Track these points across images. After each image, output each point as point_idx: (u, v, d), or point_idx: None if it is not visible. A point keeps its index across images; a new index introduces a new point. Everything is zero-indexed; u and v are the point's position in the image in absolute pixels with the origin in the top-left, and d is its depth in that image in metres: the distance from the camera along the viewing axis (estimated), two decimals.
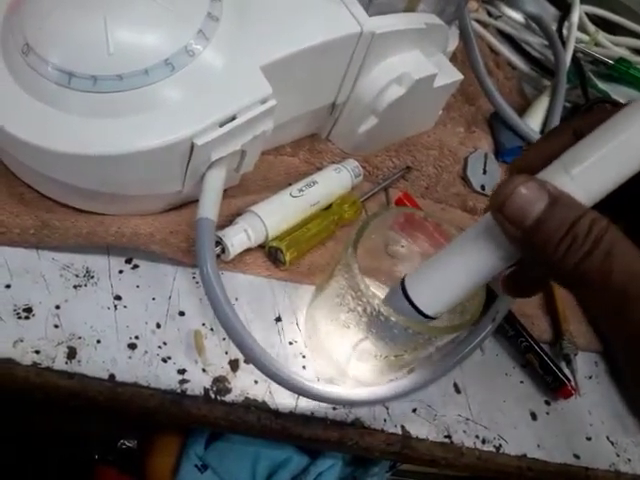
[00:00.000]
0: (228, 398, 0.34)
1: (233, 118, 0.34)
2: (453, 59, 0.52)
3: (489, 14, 0.70)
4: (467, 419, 0.39)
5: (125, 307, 0.35)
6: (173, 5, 0.33)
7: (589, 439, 0.42)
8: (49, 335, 0.32)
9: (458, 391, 0.40)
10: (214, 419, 0.34)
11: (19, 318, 0.32)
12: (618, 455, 0.42)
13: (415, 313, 0.28)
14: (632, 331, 0.22)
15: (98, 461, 0.58)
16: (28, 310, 0.33)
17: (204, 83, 0.33)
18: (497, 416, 0.40)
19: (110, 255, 0.36)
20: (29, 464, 0.58)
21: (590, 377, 0.45)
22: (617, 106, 0.23)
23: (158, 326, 0.35)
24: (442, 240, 0.34)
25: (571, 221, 0.21)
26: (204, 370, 0.34)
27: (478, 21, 0.67)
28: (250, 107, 0.34)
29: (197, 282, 0.37)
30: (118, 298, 0.35)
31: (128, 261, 0.37)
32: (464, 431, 0.38)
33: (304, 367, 0.37)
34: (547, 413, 0.41)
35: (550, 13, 0.75)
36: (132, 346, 0.34)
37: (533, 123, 0.58)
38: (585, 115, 0.25)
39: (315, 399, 0.33)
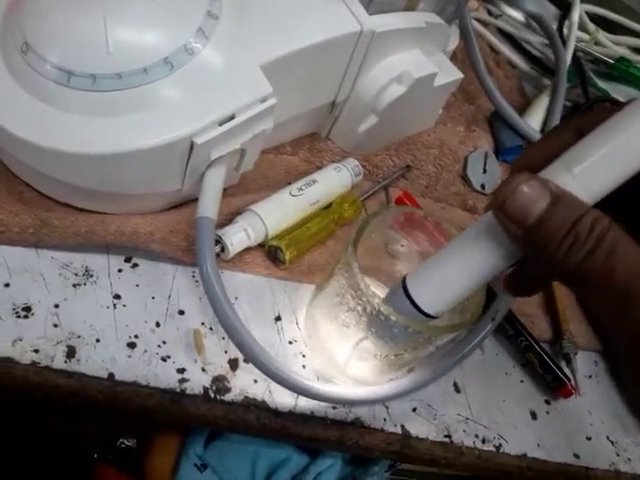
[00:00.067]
0: (227, 397, 0.34)
1: (233, 117, 0.34)
2: (453, 58, 0.52)
3: (489, 13, 0.70)
4: (467, 418, 0.39)
5: (124, 306, 0.35)
6: (172, 4, 0.33)
7: (589, 439, 0.42)
8: (48, 334, 0.32)
9: (458, 390, 0.40)
10: (213, 418, 0.34)
11: (18, 317, 0.32)
12: (618, 455, 0.42)
13: (416, 312, 0.28)
14: (634, 330, 0.22)
15: (97, 460, 0.58)
16: (27, 309, 0.33)
17: (203, 82, 0.33)
18: (497, 415, 0.40)
19: (109, 254, 0.36)
20: (28, 463, 0.58)
21: (590, 376, 0.45)
22: (617, 105, 0.23)
23: (157, 325, 0.35)
24: (442, 239, 0.34)
25: (573, 220, 0.21)
26: (203, 369, 0.34)
27: (478, 20, 0.67)
28: (250, 106, 0.34)
29: (197, 281, 0.37)
30: (117, 297, 0.35)
31: (127, 260, 0.37)
32: (464, 430, 0.38)
33: (304, 366, 0.37)
34: (547, 412, 0.41)
35: (550, 12, 0.75)
36: (131, 345, 0.34)
37: (533, 122, 0.58)
38: (586, 114, 0.25)
39: (315, 398, 0.33)
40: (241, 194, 0.41)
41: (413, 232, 0.35)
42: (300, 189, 0.40)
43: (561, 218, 0.21)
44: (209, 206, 0.34)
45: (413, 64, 0.42)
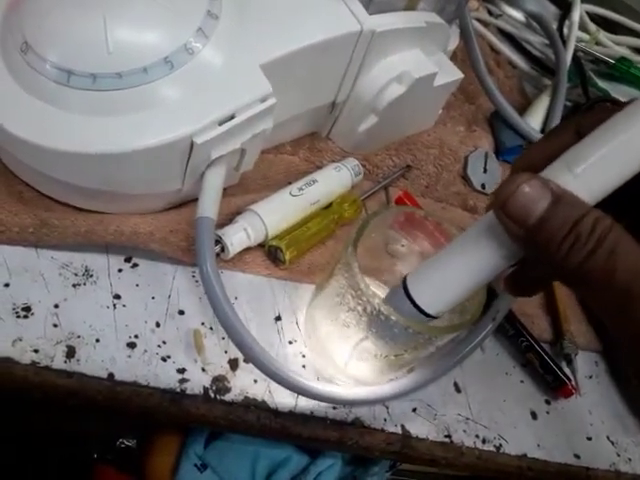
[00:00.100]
0: (227, 397, 0.34)
1: (233, 116, 0.34)
2: (453, 58, 0.52)
3: (490, 13, 0.70)
4: (467, 418, 0.39)
5: (124, 306, 0.35)
6: (172, 3, 0.33)
7: (589, 439, 0.42)
8: (48, 334, 0.32)
9: (458, 390, 0.40)
10: (213, 418, 0.34)
11: (18, 317, 0.32)
12: (618, 455, 0.42)
13: (417, 312, 0.28)
14: (635, 329, 0.22)
15: (97, 460, 0.58)
16: (27, 309, 0.33)
17: (203, 81, 0.33)
18: (497, 415, 0.40)
19: (109, 254, 0.36)
20: (28, 463, 0.58)
21: (590, 377, 0.45)
22: (618, 105, 0.23)
23: (157, 325, 0.35)
24: (442, 239, 0.34)
25: (574, 220, 0.21)
26: (203, 369, 0.34)
27: (479, 20, 0.67)
28: (250, 105, 0.34)
29: (197, 281, 0.37)
30: (117, 297, 0.35)
31: (127, 260, 0.36)
32: (464, 430, 0.38)
33: (304, 366, 0.37)
34: (547, 413, 0.41)
35: (551, 12, 0.75)
36: (131, 345, 0.33)
37: (534, 122, 0.57)
38: (586, 114, 0.25)
39: (315, 398, 0.33)
40: (241, 194, 0.41)
41: (413, 232, 0.35)
42: (300, 189, 0.40)
43: (562, 218, 0.21)
44: (209, 206, 0.34)
45: (413, 64, 0.42)
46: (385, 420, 0.36)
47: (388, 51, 0.41)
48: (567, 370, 0.42)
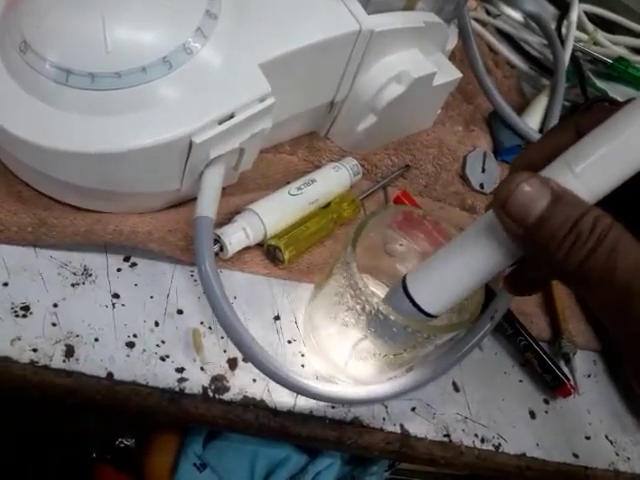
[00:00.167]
0: (226, 397, 0.34)
1: (231, 116, 0.34)
2: (452, 58, 0.52)
3: (488, 13, 0.70)
4: (466, 418, 0.39)
5: (123, 305, 0.35)
6: (171, 3, 0.33)
7: (588, 438, 0.42)
8: (47, 333, 0.32)
9: (457, 390, 0.40)
10: (212, 418, 0.34)
11: (17, 316, 0.32)
12: (617, 454, 0.42)
13: (416, 311, 0.28)
14: (636, 328, 0.22)
15: (96, 460, 0.58)
16: (26, 308, 0.33)
17: (202, 81, 0.33)
18: (496, 415, 0.40)
19: (108, 253, 0.36)
20: (28, 463, 0.58)
21: (589, 376, 0.45)
22: (616, 105, 0.23)
23: (156, 324, 0.35)
24: (441, 239, 0.34)
25: (575, 219, 0.21)
26: (202, 369, 0.34)
27: (477, 20, 0.67)
28: (249, 105, 0.34)
29: (195, 280, 0.37)
30: (116, 296, 0.35)
31: (126, 259, 0.36)
32: (463, 430, 0.38)
33: (303, 366, 0.37)
34: (546, 412, 0.41)
35: (549, 12, 0.75)
36: (130, 344, 0.33)
37: (532, 122, 0.58)
38: (585, 114, 0.25)
39: (314, 398, 0.33)
40: (240, 193, 0.41)
41: (412, 231, 0.35)
42: (299, 188, 0.40)
43: (562, 217, 0.21)
44: (208, 205, 0.34)
45: (412, 63, 0.42)
46: (384, 419, 0.36)
47: (387, 51, 0.41)
48: (566, 369, 0.42)
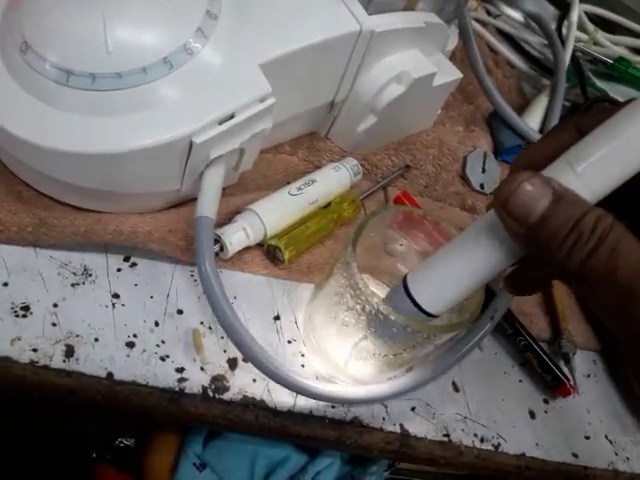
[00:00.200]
0: (226, 396, 0.34)
1: (232, 116, 0.34)
2: (452, 58, 0.52)
3: (488, 13, 0.70)
4: (466, 418, 0.39)
5: (123, 305, 0.35)
6: (172, 3, 0.33)
7: (588, 438, 0.42)
8: (47, 333, 0.32)
9: (457, 390, 0.40)
10: (212, 417, 0.34)
11: (17, 316, 0.32)
12: (617, 454, 0.42)
13: (417, 311, 0.28)
14: (638, 327, 0.22)
15: (96, 459, 0.58)
16: (26, 308, 0.33)
17: (203, 81, 0.33)
18: (496, 415, 0.40)
19: (108, 253, 0.36)
20: (28, 463, 0.58)
21: (588, 376, 0.45)
22: (616, 105, 0.23)
23: (156, 324, 0.35)
24: (441, 239, 0.34)
25: (576, 218, 0.21)
26: (202, 368, 0.34)
27: (477, 20, 0.67)
28: (249, 105, 0.34)
29: (195, 280, 0.37)
30: (116, 296, 0.35)
31: (126, 259, 0.36)
32: (463, 430, 0.38)
33: (303, 365, 0.37)
34: (546, 412, 0.41)
35: (549, 12, 0.75)
36: (130, 344, 0.34)
37: (532, 122, 0.58)
38: (585, 114, 0.25)
39: (314, 398, 0.33)
40: (240, 193, 0.41)
41: (412, 231, 0.35)
42: (299, 188, 0.41)
43: (564, 216, 0.21)
44: (208, 205, 0.34)
45: (412, 64, 0.42)
46: (384, 419, 0.36)
47: (387, 51, 0.41)
48: (565, 369, 0.42)
